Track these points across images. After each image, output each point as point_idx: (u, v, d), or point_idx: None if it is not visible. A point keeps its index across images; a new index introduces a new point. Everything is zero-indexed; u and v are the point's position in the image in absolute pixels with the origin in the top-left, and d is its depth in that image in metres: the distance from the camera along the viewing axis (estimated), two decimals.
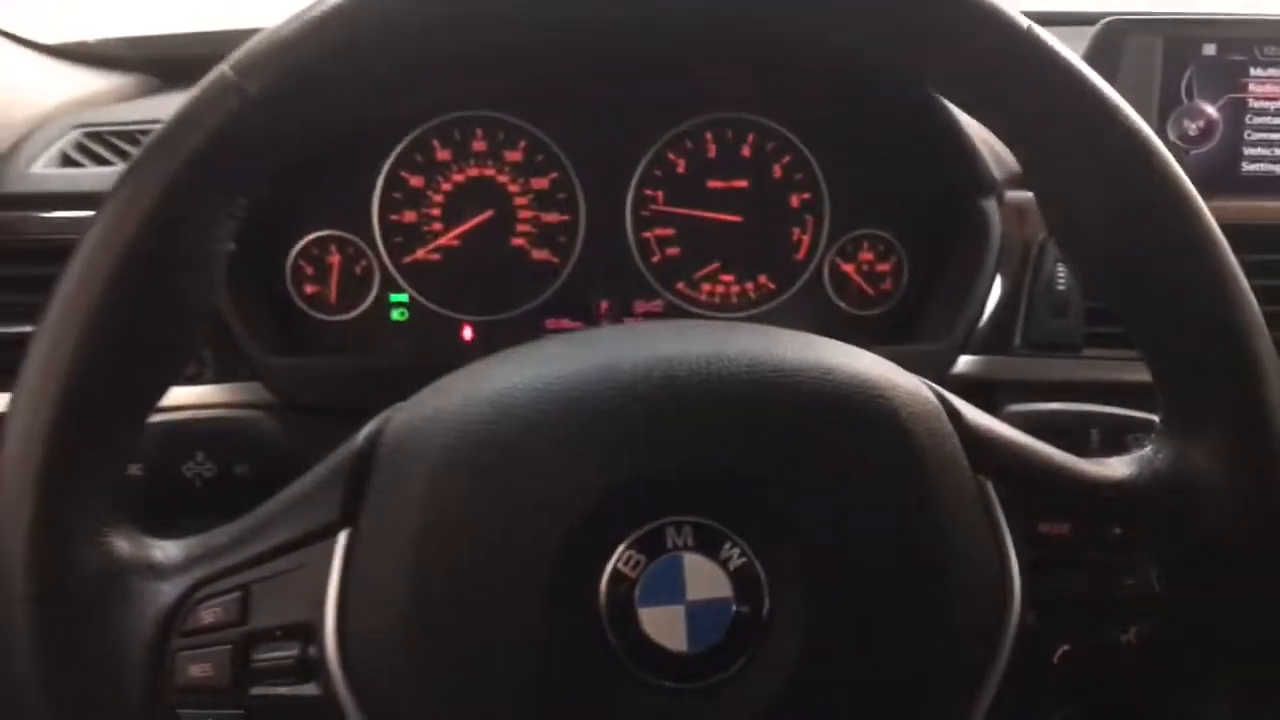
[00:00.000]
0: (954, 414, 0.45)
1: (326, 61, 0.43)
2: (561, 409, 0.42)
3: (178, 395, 0.72)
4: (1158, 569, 0.46)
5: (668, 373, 0.43)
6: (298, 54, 0.42)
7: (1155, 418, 0.50)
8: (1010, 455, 0.46)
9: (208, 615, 0.42)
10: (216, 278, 0.45)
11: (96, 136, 0.84)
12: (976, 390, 0.78)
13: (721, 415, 0.42)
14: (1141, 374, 0.49)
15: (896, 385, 0.45)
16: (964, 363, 0.80)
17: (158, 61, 1.02)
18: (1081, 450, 0.50)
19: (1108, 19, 0.85)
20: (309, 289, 0.85)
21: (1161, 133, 0.85)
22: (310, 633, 0.41)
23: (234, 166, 0.43)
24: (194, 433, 0.68)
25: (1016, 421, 0.56)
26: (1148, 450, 0.48)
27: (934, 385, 0.47)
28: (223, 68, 0.43)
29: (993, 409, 0.74)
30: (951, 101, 0.50)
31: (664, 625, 0.40)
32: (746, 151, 0.88)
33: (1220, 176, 0.86)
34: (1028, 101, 0.45)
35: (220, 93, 0.42)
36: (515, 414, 0.42)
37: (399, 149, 0.85)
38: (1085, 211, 0.46)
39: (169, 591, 0.43)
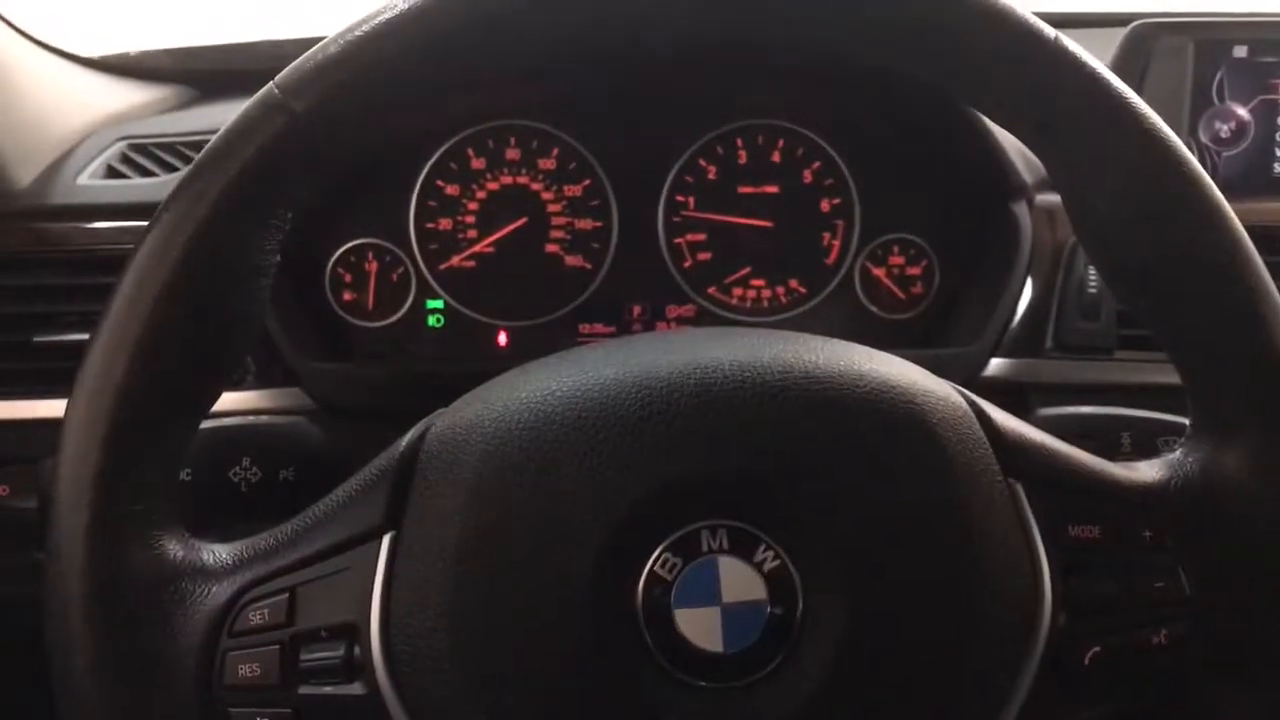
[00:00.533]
0: (984, 418, 0.46)
1: (370, 80, 0.44)
2: (599, 416, 0.43)
3: (222, 400, 0.73)
4: (1188, 572, 0.46)
5: (702, 380, 0.44)
6: (342, 73, 0.44)
7: (1187, 421, 0.50)
8: (1041, 459, 0.47)
9: (256, 617, 0.43)
10: (265, 287, 0.46)
11: (140, 148, 0.86)
12: (1008, 393, 0.78)
13: (755, 421, 0.43)
14: (1174, 376, 0.49)
15: (927, 390, 0.45)
16: (995, 365, 0.80)
17: (197, 73, 1.04)
18: (1113, 453, 0.50)
19: (1137, 21, 0.85)
20: (347, 296, 0.86)
21: (1193, 135, 0.85)
22: (355, 633, 0.43)
23: (281, 182, 0.45)
24: (240, 438, 0.70)
25: (1048, 425, 0.56)
26: (1178, 454, 0.49)
27: (964, 390, 0.47)
28: (270, 86, 0.44)
29: (1024, 412, 0.74)
30: (979, 111, 0.50)
31: (700, 626, 0.41)
32: (777, 157, 0.88)
33: (1253, 178, 0.86)
34: (1054, 110, 0.46)
35: (268, 111, 0.44)
36: (554, 420, 0.43)
37: (434, 158, 0.86)
38: (1111, 217, 0.47)
39: (219, 594, 0.44)
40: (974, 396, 0.47)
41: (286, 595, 0.44)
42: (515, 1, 0.43)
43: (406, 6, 0.43)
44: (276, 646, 0.43)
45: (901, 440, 0.43)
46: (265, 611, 0.43)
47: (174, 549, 0.45)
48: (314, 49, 0.44)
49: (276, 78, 0.45)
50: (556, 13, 0.44)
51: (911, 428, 0.44)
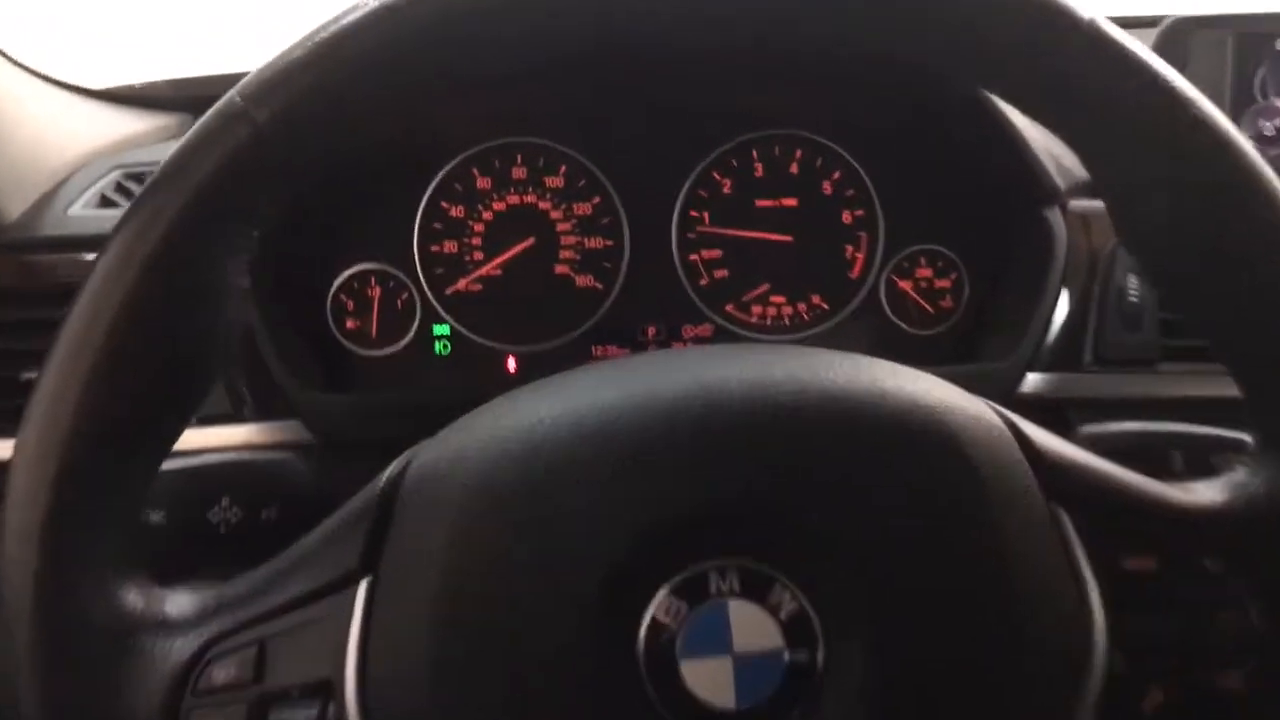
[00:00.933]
0: (1022, 437, 0.42)
1: (337, 84, 0.41)
2: (594, 444, 0.39)
3: (210, 437, 0.70)
4: (1258, 604, 0.42)
5: (709, 402, 0.40)
6: (308, 77, 0.40)
7: (1245, 436, 0.46)
8: (1086, 482, 0.42)
9: (222, 673, 0.40)
10: (229, 314, 0.43)
11: (136, 176, 0.84)
12: (1046, 410, 0.75)
13: (768, 446, 0.39)
14: (1224, 388, 0.45)
15: (958, 408, 0.41)
16: (1031, 381, 0.77)
17: (200, 101, 1.01)
18: (1164, 474, 0.46)
19: (1173, 18, 0.81)
20: (350, 323, 0.83)
21: None
22: (330, 691, 0.39)
23: (245, 197, 0.41)
24: (218, 477, 0.66)
25: (1091, 443, 0.53)
26: (1239, 472, 0.44)
27: (999, 407, 0.43)
28: (232, 94, 0.41)
29: (1064, 430, 0.70)
30: (1010, 104, 0.46)
31: (709, 679, 0.37)
32: (794, 168, 0.86)
33: None
34: (1092, 98, 0.42)
35: (229, 121, 0.40)
36: (544, 450, 0.39)
37: (438, 179, 0.84)
38: (1159, 215, 0.42)
39: (182, 648, 0.40)
40: (1010, 414, 0.43)
41: (255, 649, 0.40)
42: None
43: (374, 6, 0.40)
44: (244, 706, 0.39)
45: (930, 464, 0.39)
46: (232, 667, 0.40)
47: (133, 599, 0.41)
48: (278, 54, 0.41)
49: (239, 84, 0.41)
50: (534, 9, 0.40)
51: (941, 450, 0.40)
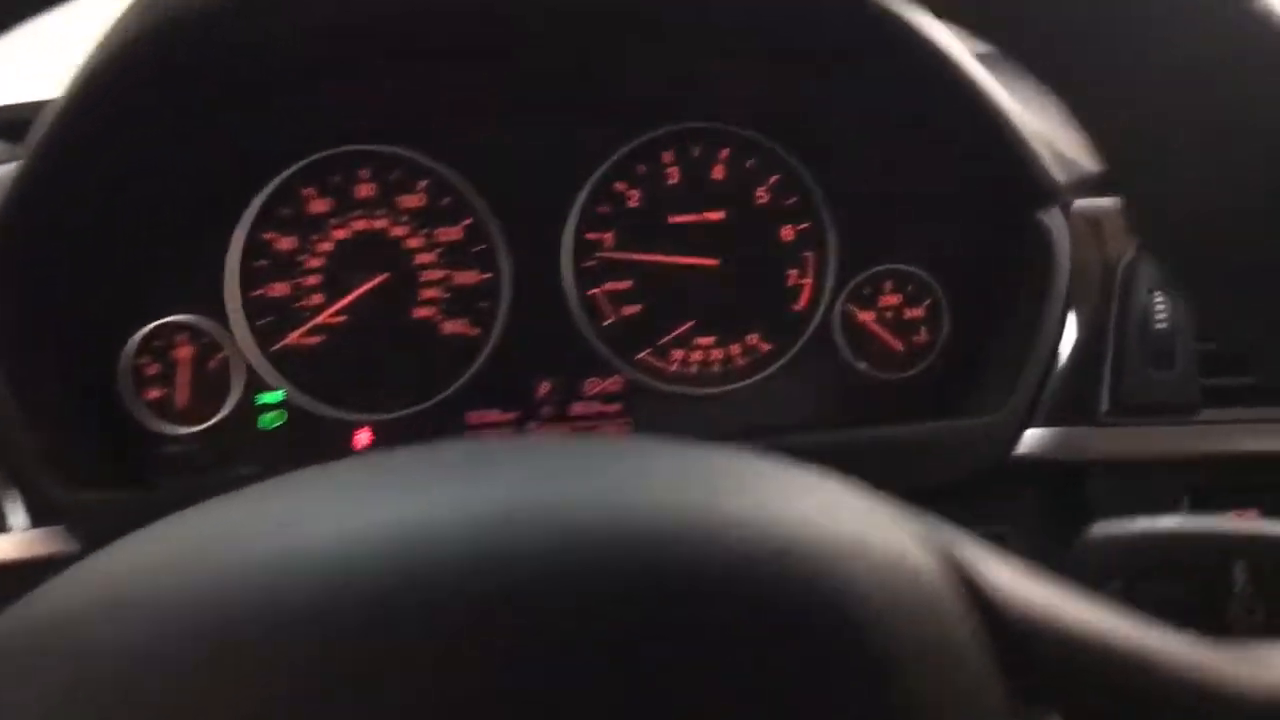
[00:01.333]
0: (977, 590, 0.26)
1: None
2: (216, 628, 0.23)
3: None
4: None
5: (400, 553, 0.24)
6: None
7: None
8: (1090, 661, 0.26)
9: None
10: None
11: None
12: (1054, 475, 0.64)
13: (504, 632, 0.22)
14: None
15: (864, 541, 0.25)
16: (1032, 439, 0.65)
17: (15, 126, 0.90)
18: (1224, 600, 0.30)
19: None
20: (151, 393, 0.71)
21: None
22: None
23: None
24: None
25: (1107, 555, 0.43)
26: None
27: (951, 531, 0.27)
28: None
29: (1078, 513, 0.58)
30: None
31: None
32: (719, 172, 0.74)
33: None
34: None
35: None
36: (135, 638, 0.23)
37: (260, 201, 0.71)
38: (1196, 184, 0.25)
39: None
40: (964, 545, 0.27)
41: None
42: None
43: None
44: None
45: (809, 648, 0.24)
46: None
47: None
48: None
49: None
50: None
51: (830, 621, 0.24)
